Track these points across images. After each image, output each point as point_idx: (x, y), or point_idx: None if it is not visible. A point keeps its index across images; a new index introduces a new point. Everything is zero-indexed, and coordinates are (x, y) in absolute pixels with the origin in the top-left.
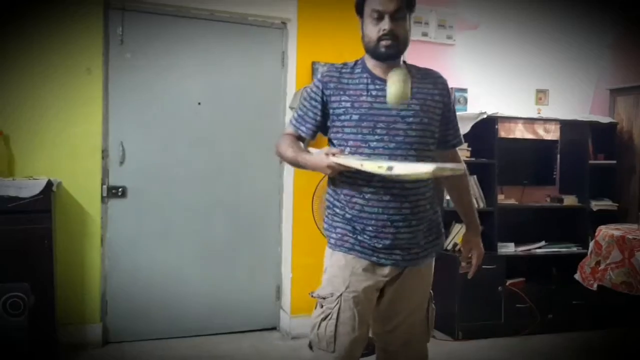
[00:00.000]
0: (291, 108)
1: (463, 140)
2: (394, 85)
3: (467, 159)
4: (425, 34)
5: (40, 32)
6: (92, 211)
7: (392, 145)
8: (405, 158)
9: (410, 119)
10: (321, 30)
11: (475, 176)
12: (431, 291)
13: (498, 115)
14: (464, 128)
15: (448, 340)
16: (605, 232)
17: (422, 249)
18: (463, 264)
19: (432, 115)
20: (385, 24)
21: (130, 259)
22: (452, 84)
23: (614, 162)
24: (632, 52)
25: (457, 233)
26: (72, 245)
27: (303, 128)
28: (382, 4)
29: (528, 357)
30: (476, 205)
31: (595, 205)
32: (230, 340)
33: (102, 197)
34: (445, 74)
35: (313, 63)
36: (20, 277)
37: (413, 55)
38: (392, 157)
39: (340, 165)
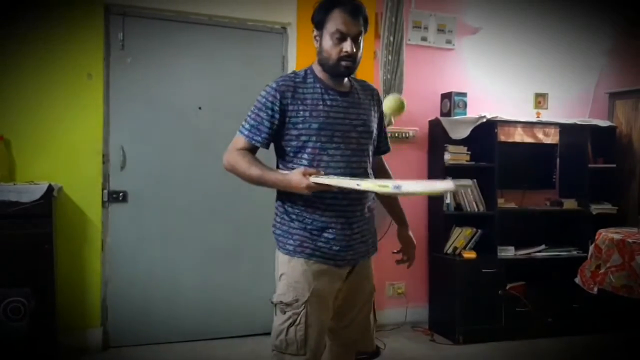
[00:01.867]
0: None
1: (390, 149)
2: (393, 101)
3: (467, 162)
4: (424, 39)
5: (41, 38)
6: (93, 216)
7: (348, 152)
8: (359, 164)
9: (360, 128)
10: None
11: (475, 180)
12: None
13: (497, 119)
14: (464, 132)
15: (448, 344)
16: (605, 235)
17: (368, 245)
18: (404, 257)
19: (373, 124)
20: (348, 46)
21: (130, 264)
22: (451, 88)
23: (614, 165)
24: (631, 56)
25: (457, 237)
26: (72, 249)
27: (258, 138)
28: (346, 26)
29: None
30: (476, 209)
31: (595, 208)
32: (229, 344)
33: (103, 202)
34: (444, 78)
35: None
36: (21, 281)
37: (413, 60)
38: (348, 163)
39: (320, 185)
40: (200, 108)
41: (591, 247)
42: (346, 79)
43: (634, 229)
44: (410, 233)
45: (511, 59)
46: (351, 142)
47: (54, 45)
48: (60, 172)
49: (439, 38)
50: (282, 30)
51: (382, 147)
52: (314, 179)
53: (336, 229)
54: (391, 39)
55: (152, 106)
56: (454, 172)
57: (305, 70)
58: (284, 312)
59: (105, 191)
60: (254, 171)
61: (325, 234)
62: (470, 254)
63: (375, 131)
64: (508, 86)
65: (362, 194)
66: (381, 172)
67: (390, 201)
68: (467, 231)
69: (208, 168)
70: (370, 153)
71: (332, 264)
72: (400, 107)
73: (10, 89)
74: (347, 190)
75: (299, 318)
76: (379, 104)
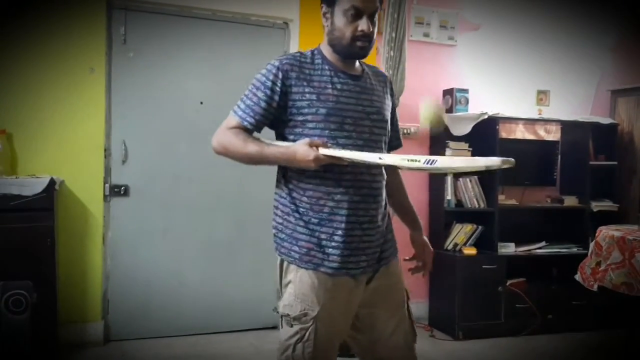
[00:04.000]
0: None
1: (402, 145)
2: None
3: None
4: (426, 35)
5: (43, 32)
6: (95, 210)
7: (360, 142)
8: None
9: (374, 116)
10: (323, 31)
11: (476, 176)
12: (407, 289)
13: (499, 115)
14: (465, 128)
15: (448, 340)
16: (606, 232)
17: (385, 249)
18: (418, 264)
19: (387, 114)
20: (364, 24)
21: (132, 258)
22: (453, 84)
23: (615, 163)
24: (633, 53)
25: (458, 233)
26: (74, 243)
27: (251, 120)
28: (362, 2)
29: (528, 358)
30: (477, 205)
31: (596, 206)
32: (230, 338)
33: (105, 196)
34: (446, 75)
35: None
36: (23, 275)
37: (415, 56)
38: None
39: (332, 158)
40: (201, 103)
41: (591, 244)
42: (357, 62)
43: (634, 226)
44: (425, 237)
45: (513, 56)
46: (364, 132)
47: (56, 39)
48: (62, 165)
49: (441, 34)
50: (284, 26)
51: (392, 141)
52: (323, 151)
53: (346, 229)
54: (393, 34)
55: (154, 101)
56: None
57: (312, 51)
58: (291, 326)
59: (107, 185)
60: (251, 148)
61: (336, 237)
62: (470, 250)
63: (388, 122)
64: (510, 83)
65: (377, 190)
66: (392, 171)
67: (402, 201)
68: (468, 227)
69: (209, 163)
70: (384, 146)
71: (344, 273)
72: (435, 115)
73: (12, 82)
74: (364, 165)
75: (307, 334)
76: (392, 92)
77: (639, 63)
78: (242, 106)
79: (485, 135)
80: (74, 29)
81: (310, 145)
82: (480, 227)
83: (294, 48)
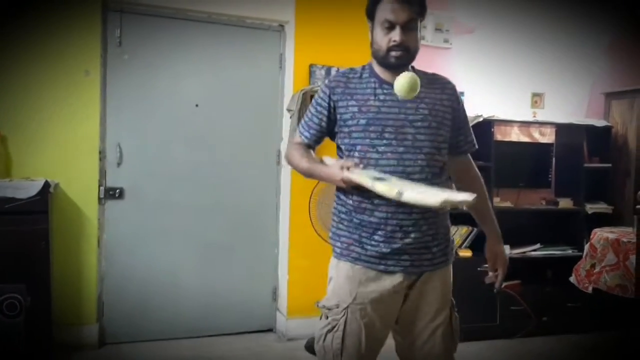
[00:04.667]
0: (288, 110)
1: (476, 145)
2: (404, 77)
3: None
4: (422, 38)
5: (38, 34)
6: (89, 212)
7: (400, 149)
8: (414, 162)
9: (419, 123)
10: (319, 33)
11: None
12: (453, 299)
13: (494, 118)
14: None
15: None
16: (600, 235)
17: (434, 255)
18: (490, 274)
19: (441, 120)
20: (396, 35)
21: (127, 260)
22: None
23: (609, 165)
24: (627, 56)
25: (453, 235)
26: (69, 246)
27: (307, 134)
28: (394, 13)
29: None
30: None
31: (590, 208)
32: (226, 341)
33: (99, 199)
34: None
35: (310, 65)
36: (17, 278)
37: None
38: (400, 161)
39: (352, 180)
40: (197, 105)
41: (586, 247)
42: (410, 71)
43: (628, 228)
44: (500, 247)
45: (508, 59)
46: (406, 139)
47: (51, 41)
48: (57, 168)
49: (437, 37)
50: (280, 28)
51: (462, 145)
52: (347, 174)
53: (385, 230)
54: None
55: (149, 103)
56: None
57: (364, 66)
58: (327, 317)
59: (102, 188)
60: (304, 164)
61: (376, 236)
62: (466, 252)
63: (445, 127)
64: (505, 85)
65: None
66: (464, 176)
67: (480, 208)
68: (463, 229)
69: (204, 165)
70: (435, 151)
71: (383, 269)
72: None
73: (6, 84)
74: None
75: (337, 325)
76: (454, 98)
77: (633, 66)
78: (302, 123)
79: (480, 137)
80: (69, 31)
81: (342, 167)
82: (475, 229)
83: (289, 51)
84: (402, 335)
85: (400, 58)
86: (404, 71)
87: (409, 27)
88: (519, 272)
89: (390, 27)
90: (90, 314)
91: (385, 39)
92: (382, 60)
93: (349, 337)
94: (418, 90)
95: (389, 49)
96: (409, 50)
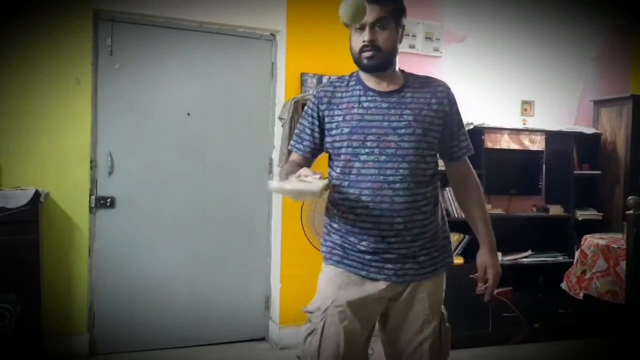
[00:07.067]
0: (280, 119)
1: (472, 150)
2: (347, 1)
3: None
4: (412, 47)
5: (29, 42)
6: (80, 222)
7: (382, 157)
8: (395, 171)
9: (402, 130)
10: (310, 42)
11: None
12: (444, 311)
13: (484, 126)
14: None
15: None
16: (591, 241)
17: (421, 265)
18: (480, 284)
19: (428, 126)
20: (365, 35)
21: (118, 270)
22: None
23: (599, 172)
24: (615, 64)
25: None
26: (59, 256)
27: (300, 146)
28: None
29: None
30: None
31: (581, 214)
32: (218, 350)
33: (90, 208)
34: None
35: (302, 74)
36: (7, 287)
37: (401, 67)
38: (381, 170)
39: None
40: (188, 114)
41: (577, 253)
42: (401, 76)
43: (618, 234)
44: (492, 256)
45: (498, 67)
46: (388, 147)
47: (42, 49)
48: (47, 177)
49: (427, 46)
50: (271, 37)
51: (455, 151)
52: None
53: (369, 241)
54: None
55: (141, 112)
56: (440, 178)
57: (353, 73)
58: (310, 321)
59: (93, 197)
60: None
61: (359, 246)
62: (457, 260)
63: (433, 133)
64: (495, 93)
65: (401, 204)
66: (461, 183)
67: (469, 215)
68: (455, 237)
69: (196, 174)
70: (420, 159)
71: (365, 275)
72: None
73: None
74: (385, 181)
75: (316, 328)
76: (447, 101)
77: (622, 73)
78: (294, 137)
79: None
80: (60, 40)
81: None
82: (467, 236)
83: (281, 59)
84: (391, 347)
85: (372, 58)
86: (383, 74)
87: (380, 26)
88: (511, 279)
89: (361, 28)
90: (80, 324)
91: (358, 41)
92: (358, 63)
93: (327, 340)
94: (365, 14)
95: (360, 50)
96: (380, 49)
